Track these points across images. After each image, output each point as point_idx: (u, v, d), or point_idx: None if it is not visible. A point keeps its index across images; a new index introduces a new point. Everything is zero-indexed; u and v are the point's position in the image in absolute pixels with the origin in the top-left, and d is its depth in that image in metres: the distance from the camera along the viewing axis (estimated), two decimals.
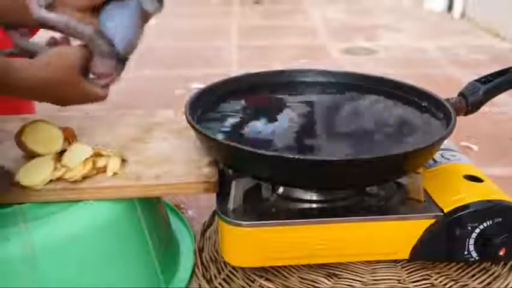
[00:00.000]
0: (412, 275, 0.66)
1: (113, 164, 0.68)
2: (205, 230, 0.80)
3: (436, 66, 2.01)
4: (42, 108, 0.79)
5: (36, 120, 0.71)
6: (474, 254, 0.65)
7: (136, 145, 0.76)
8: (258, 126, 0.73)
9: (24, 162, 0.67)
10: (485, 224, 0.64)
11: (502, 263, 0.69)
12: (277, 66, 1.85)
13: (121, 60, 0.69)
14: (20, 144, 0.68)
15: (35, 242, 0.60)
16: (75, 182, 0.65)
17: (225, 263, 0.69)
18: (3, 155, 0.72)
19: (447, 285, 0.65)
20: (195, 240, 0.83)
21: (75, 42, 0.67)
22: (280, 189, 0.68)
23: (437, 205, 0.65)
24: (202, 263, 0.74)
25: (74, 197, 0.64)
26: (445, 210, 0.64)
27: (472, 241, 0.64)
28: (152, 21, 0.72)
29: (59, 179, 0.65)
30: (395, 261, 0.67)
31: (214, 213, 0.82)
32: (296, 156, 0.60)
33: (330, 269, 0.67)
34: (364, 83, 0.84)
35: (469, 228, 0.64)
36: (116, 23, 0.68)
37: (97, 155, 0.68)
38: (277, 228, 0.63)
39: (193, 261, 0.77)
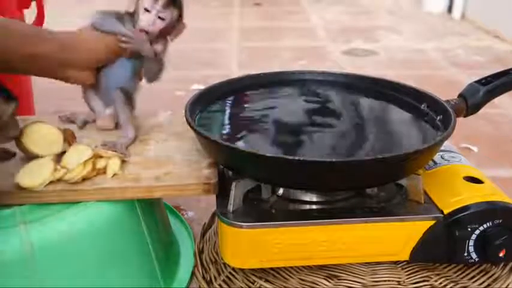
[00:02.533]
0: (412, 277, 0.66)
1: (113, 165, 0.68)
2: (205, 232, 0.80)
3: (436, 68, 2.01)
4: (42, 110, 0.80)
5: (36, 121, 0.71)
6: (474, 256, 0.65)
7: (136, 146, 0.76)
8: (258, 127, 0.73)
9: (24, 163, 0.67)
10: (485, 226, 0.64)
11: (502, 264, 0.69)
12: (277, 68, 1.85)
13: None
14: (20, 145, 0.68)
15: (34, 243, 0.60)
16: (75, 183, 0.65)
17: (224, 264, 0.69)
18: None
19: (447, 287, 0.65)
20: (195, 242, 0.83)
21: None
22: (280, 191, 0.68)
23: (437, 206, 0.65)
24: (202, 265, 0.74)
25: (73, 198, 0.64)
26: (445, 212, 0.64)
27: (472, 242, 0.64)
28: None
29: (58, 180, 0.65)
30: (395, 262, 0.67)
31: (214, 214, 0.82)
32: (296, 158, 0.60)
33: (330, 271, 0.67)
34: (363, 84, 0.84)
35: (469, 229, 0.64)
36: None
37: (97, 156, 0.68)
38: (277, 229, 0.63)
39: (193, 262, 0.77)
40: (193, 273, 0.76)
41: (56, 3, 2.87)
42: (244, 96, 0.82)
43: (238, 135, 0.71)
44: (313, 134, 0.73)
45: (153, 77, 0.77)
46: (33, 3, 1.17)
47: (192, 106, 0.72)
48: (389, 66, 2.03)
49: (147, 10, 0.73)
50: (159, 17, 0.73)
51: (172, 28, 0.75)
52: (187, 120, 0.67)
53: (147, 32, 0.74)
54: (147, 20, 0.73)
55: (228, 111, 0.78)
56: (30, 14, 1.16)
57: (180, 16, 0.75)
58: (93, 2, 2.92)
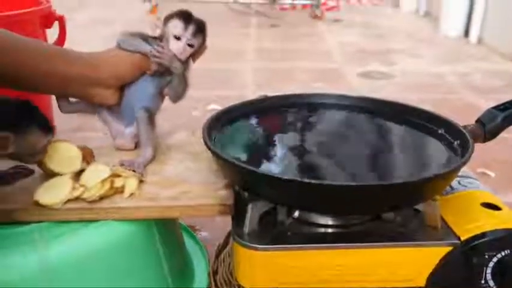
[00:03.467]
0: None
1: (130, 185, 0.68)
2: (220, 252, 0.80)
3: (452, 92, 2.01)
4: (61, 129, 0.81)
5: (56, 139, 0.72)
6: (491, 283, 0.64)
7: (154, 166, 0.77)
8: (275, 149, 0.74)
9: (43, 181, 0.68)
10: (503, 253, 0.63)
11: None
12: (293, 89, 1.86)
13: None
14: (40, 163, 0.69)
15: (53, 260, 0.60)
16: (92, 201, 0.65)
17: (239, 286, 0.69)
18: None
19: None
20: (209, 262, 0.83)
21: None
22: (296, 213, 0.68)
23: (454, 233, 0.65)
24: (216, 286, 0.74)
25: (91, 216, 0.65)
26: (462, 238, 0.64)
27: (489, 270, 0.64)
28: None
29: (77, 199, 0.65)
30: None
31: (228, 235, 0.82)
32: (312, 181, 0.60)
33: None
34: (380, 108, 0.84)
35: (487, 256, 0.63)
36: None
37: (115, 175, 0.69)
38: (292, 252, 0.63)
39: (207, 283, 0.77)
40: None
41: (78, 24, 2.92)
42: (262, 118, 0.82)
43: (255, 157, 0.71)
44: (330, 157, 0.73)
45: (178, 97, 0.79)
46: (56, 23, 1.20)
47: (209, 127, 0.72)
48: (405, 89, 2.03)
49: (177, 38, 0.75)
50: (189, 44, 0.75)
51: (197, 52, 0.78)
52: (204, 141, 0.68)
53: (178, 59, 0.76)
54: (178, 48, 0.75)
55: (245, 132, 0.78)
56: (52, 34, 1.19)
57: (204, 40, 0.77)
58: (113, 24, 2.97)
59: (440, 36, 2.99)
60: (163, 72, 0.76)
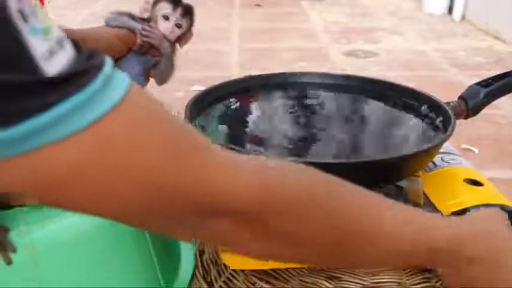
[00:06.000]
0: (413, 278, 0.66)
1: None
2: None
3: (436, 69, 2.02)
4: None
5: None
6: None
7: None
8: (258, 129, 0.74)
9: None
10: None
11: None
12: (278, 69, 1.84)
13: None
14: None
15: (35, 244, 0.60)
16: None
17: (225, 265, 0.69)
18: None
19: None
20: (196, 243, 0.83)
21: None
22: None
23: (436, 209, 0.65)
24: (202, 266, 0.74)
25: None
26: (444, 214, 0.64)
27: None
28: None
29: None
30: None
31: None
32: (294, 159, 0.60)
33: (330, 272, 0.67)
34: (363, 86, 0.84)
35: None
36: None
37: None
38: None
39: (194, 263, 0.77)
40: (193, 274, 0.76)
41: (58, 5, 2.88)
42: (245, 97, 0.82)
43: (239, 137, 0.71)
44: (313, 136, 0.73)
45: (163, 79, 0.79)
46: None
47: (192, 107, 0.72)
48: (389, 67, 2.03)
49: (166, 18, 0.75)
50: (177, 25, 0.76)
51: (183, 36, 0.78)
52: (187, 121, 0.67)
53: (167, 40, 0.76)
54: (167, 28, 0.76)
55: (228, 112, 0.78)
56: None
57: (191, 25, 0.78)
58: (95, 5, 2.93)
59: (424, 14, 2.99)
60: (148, 49, 0.76)
